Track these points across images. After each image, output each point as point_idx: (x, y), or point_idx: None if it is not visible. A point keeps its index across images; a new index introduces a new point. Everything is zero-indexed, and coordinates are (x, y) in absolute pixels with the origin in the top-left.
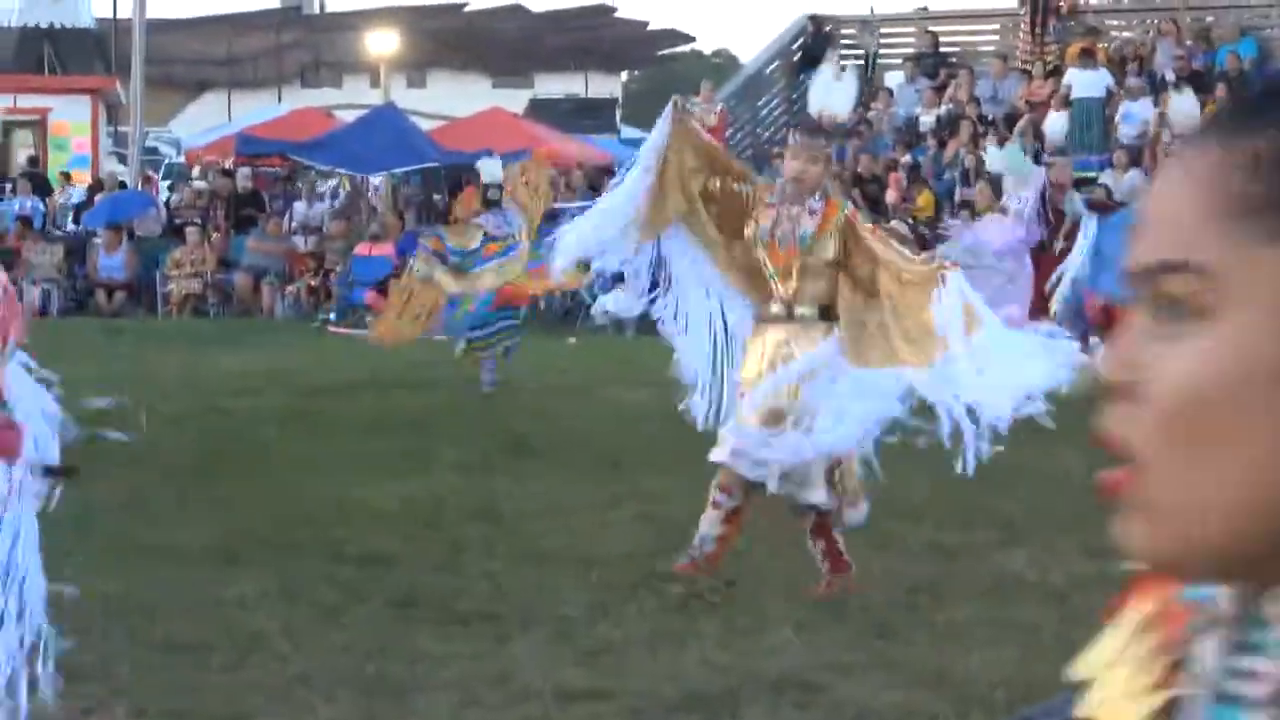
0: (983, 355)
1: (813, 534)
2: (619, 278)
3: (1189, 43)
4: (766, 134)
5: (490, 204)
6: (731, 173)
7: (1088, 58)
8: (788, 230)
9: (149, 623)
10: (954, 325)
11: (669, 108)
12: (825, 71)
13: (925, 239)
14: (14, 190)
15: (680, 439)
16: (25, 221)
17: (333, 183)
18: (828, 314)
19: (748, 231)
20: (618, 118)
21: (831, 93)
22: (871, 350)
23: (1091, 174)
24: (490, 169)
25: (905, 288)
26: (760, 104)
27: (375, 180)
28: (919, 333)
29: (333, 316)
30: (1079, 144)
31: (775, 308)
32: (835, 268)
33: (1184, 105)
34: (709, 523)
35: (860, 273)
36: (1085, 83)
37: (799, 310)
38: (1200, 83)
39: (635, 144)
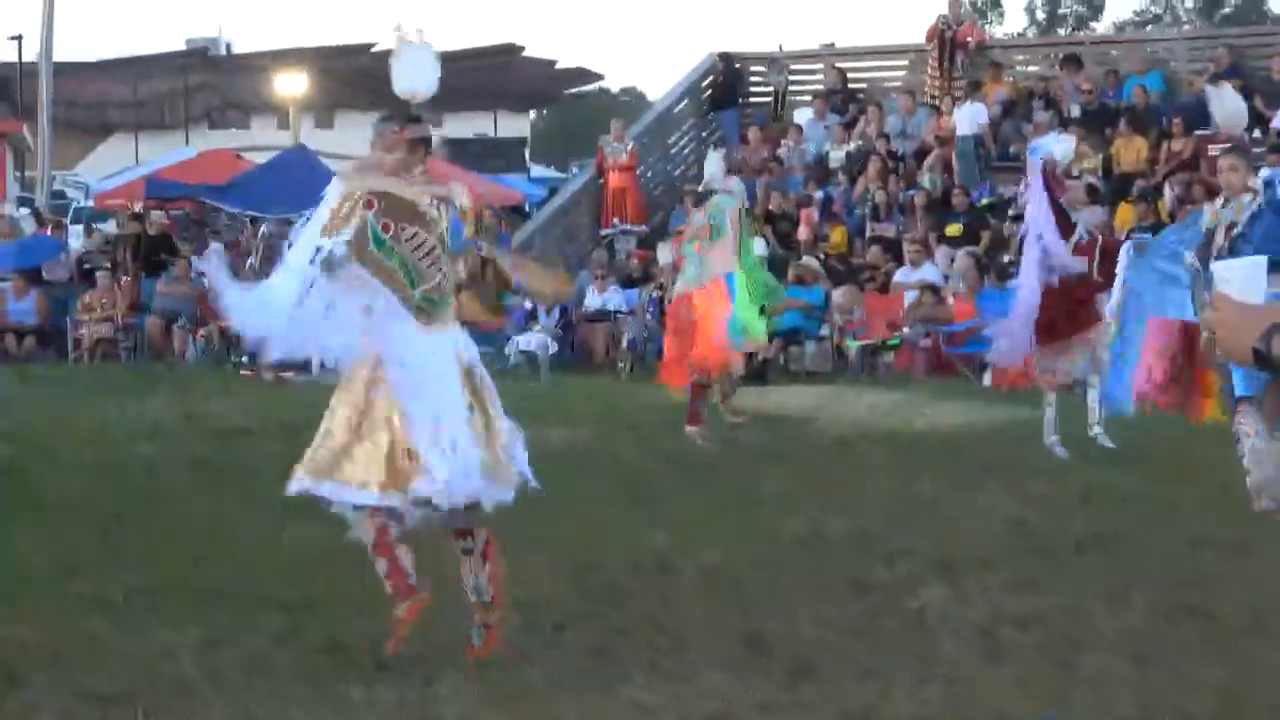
0: None
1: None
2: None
3: (1094, 76)
4: (678, 171)
5: None
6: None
7: (974, 91)
8: None
9: (71, 672)
10: None
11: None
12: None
13: (840, 274)
14: None
15: (601, 477)
16: None
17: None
18: None
19: None
20: (527, 156)
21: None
22: None
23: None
24: None
25: None
26: (671, 141)
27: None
28: None
29: (245, 359)
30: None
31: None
32: None
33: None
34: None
35: None
36: (965, 117)
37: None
38: (1107, 116)
39: (544, 182)
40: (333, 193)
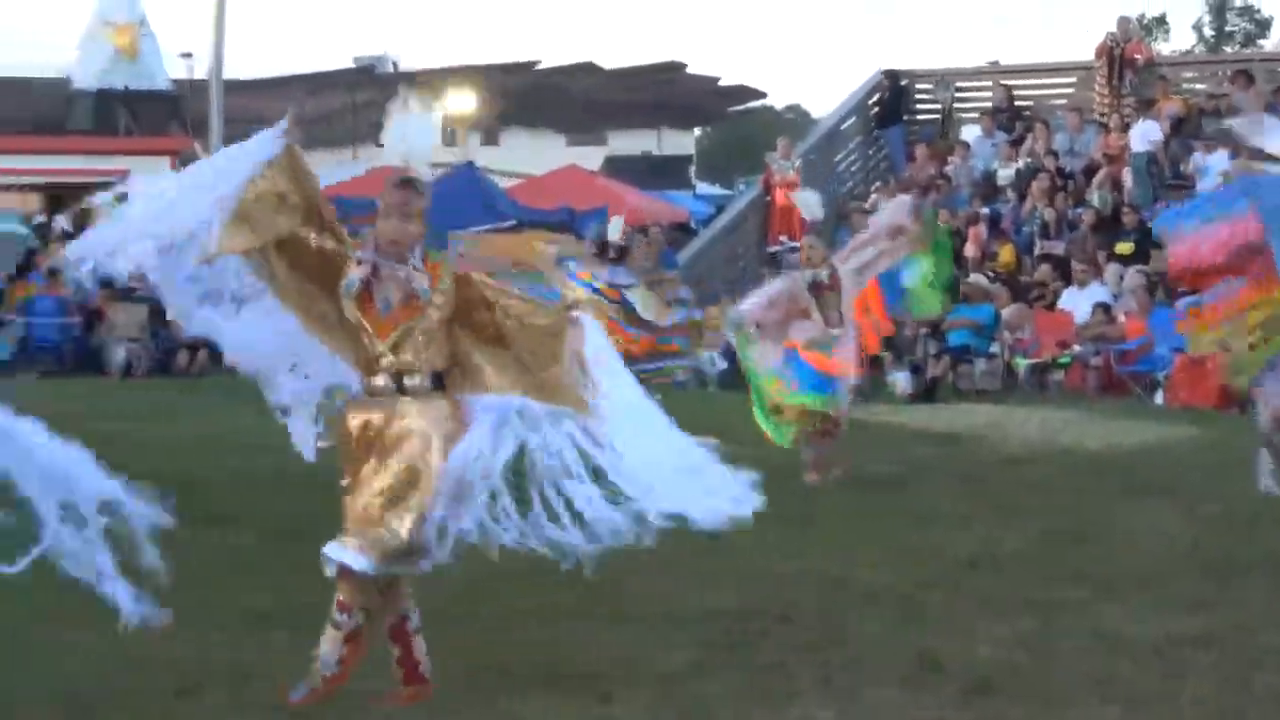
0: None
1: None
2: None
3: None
4: (844, 188)
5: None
6: (329, 227)
7: (1147, 108)
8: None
9: (250, 684)
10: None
11: (281, 124)
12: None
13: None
14: None
15: (772, 494)
16: (108, 283)
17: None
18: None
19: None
20: (692, 174)
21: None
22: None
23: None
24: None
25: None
26: (837, 159)
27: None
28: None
29: None
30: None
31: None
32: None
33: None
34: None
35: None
36: (1138, 135)
37: (409, 381)
38: None
39: (710, 199)
40: None
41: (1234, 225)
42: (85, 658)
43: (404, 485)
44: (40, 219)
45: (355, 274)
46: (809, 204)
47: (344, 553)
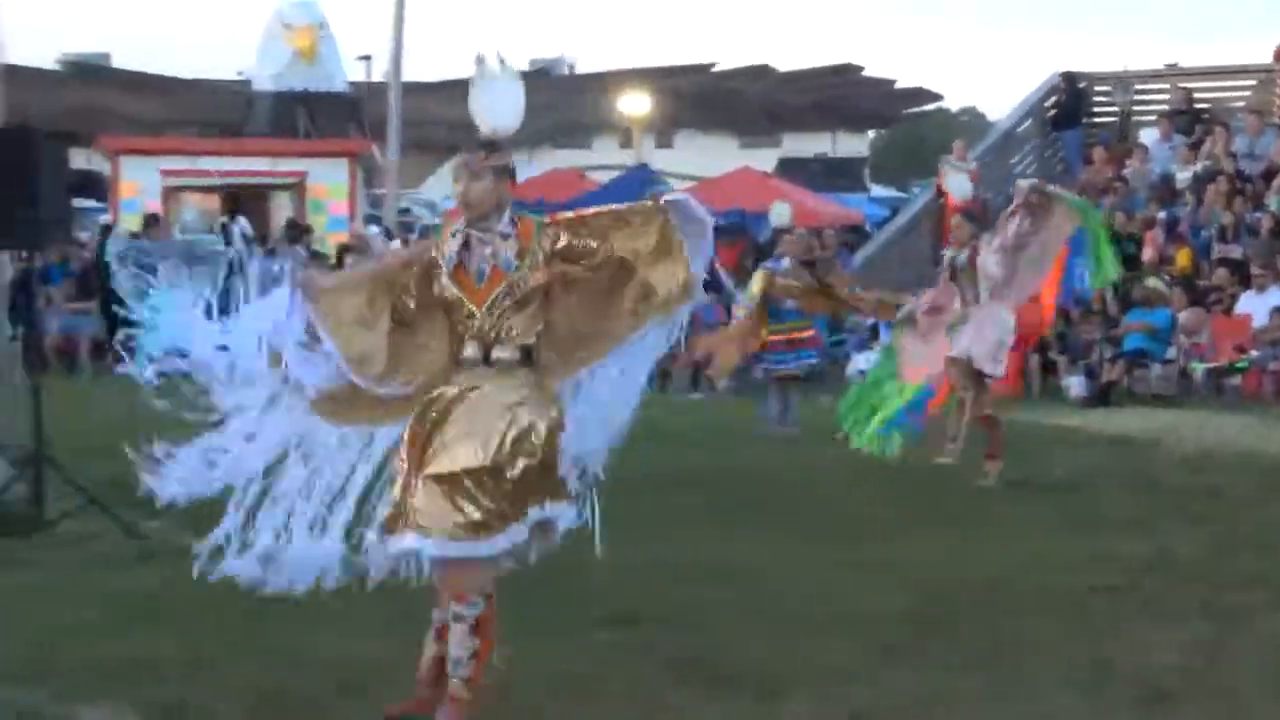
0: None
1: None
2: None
3: None
4: None
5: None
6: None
7: None
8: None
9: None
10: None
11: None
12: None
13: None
14: (273, 251)
15: (934, 499)
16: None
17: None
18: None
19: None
20: (866, 176)
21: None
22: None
23: None
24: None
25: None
26: (1013, 162)
27: None
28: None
29: None
30: None
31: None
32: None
33: None
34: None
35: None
36: None
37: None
38: None
39: (884, 202)
40: None
41: None
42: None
43: (496, 456)
44: (222, 220)
45: (451, 246)
46: (959, 186)
47: (430, 543)
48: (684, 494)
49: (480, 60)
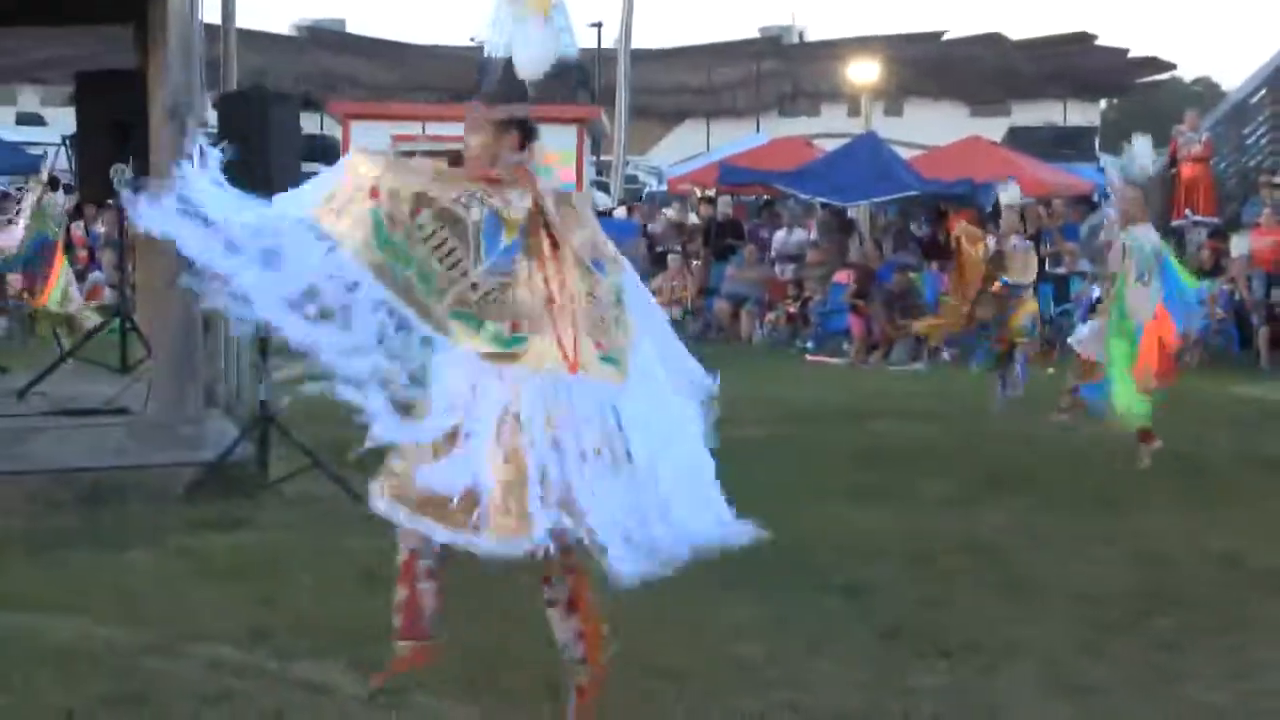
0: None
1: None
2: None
3: None
4: (1253, 162)
5: None
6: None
7: None
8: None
9: (634, 648)
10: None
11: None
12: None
13: None
14: None
15: (1170, 474)
16: None
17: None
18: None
19: None
20: (1096, 146)
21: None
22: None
23: None
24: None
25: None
26: (1246, 132)
27: (850, 211)
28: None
29: (810, 345)
30: None
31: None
32: None
33: None
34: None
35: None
36: None
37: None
38: None
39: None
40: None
41: None
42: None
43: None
44: None
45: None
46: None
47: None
48: (932, 466)
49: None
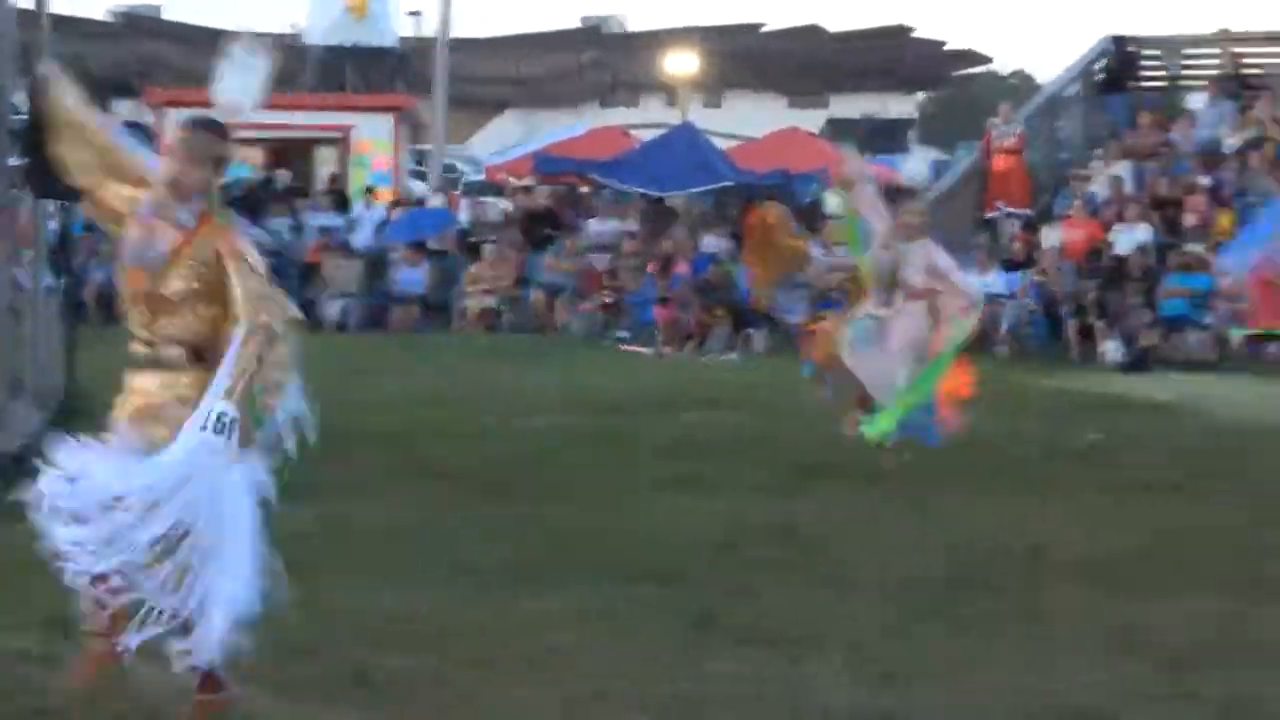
0: None
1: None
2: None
3: None
4: (1065, 155)
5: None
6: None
7: None
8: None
9: (444, 639)
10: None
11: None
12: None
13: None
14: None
15: (981, 465)
16: (326, 236)
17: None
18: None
19: None
20: (910, 138)
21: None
22: None
23: None
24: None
25: None
26: (1059, 125)
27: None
28: None
29: (626, 335)
30: None
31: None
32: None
33: None
34: None
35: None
36: None
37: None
38: None
39: (930, 165)
40: None
41: None
42: None
43: None
44: (263, 174)
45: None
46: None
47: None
48: (744, 457)
49: (233, 39)
